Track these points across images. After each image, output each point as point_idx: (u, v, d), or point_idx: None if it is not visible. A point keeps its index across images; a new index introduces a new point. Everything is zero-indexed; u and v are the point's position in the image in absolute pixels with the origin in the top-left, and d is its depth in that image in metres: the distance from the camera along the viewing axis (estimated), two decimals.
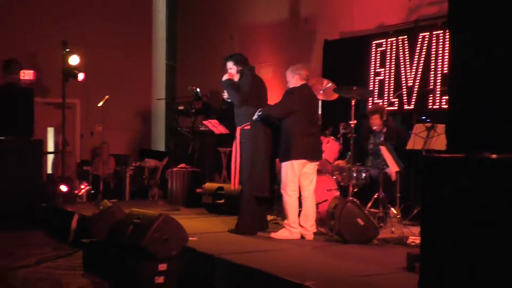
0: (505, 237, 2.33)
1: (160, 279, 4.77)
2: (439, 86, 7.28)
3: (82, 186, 9.60)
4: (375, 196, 6.32)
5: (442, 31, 7.27)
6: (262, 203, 6.14)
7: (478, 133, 2.49)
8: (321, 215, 6.28)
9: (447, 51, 7.20)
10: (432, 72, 7.38)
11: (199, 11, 12.66)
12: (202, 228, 6.32)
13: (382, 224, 6.15)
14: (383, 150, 6.30)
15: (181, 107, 9.87)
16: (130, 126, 12.58)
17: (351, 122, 6.25)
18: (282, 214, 6.21)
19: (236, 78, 6.15)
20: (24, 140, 8.66)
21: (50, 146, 11.80)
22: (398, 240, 5.57)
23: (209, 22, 12.10)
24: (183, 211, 7.83)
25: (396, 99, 7.68)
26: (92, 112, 11.21)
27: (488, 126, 2.47)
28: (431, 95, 7.35)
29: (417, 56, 7.59)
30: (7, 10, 11.50)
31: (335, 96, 7.09)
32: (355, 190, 6.40)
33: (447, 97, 7.14)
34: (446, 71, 7.22)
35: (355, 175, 6.44)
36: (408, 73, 7.69)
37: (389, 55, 7.97)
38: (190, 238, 5.13)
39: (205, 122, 8.90)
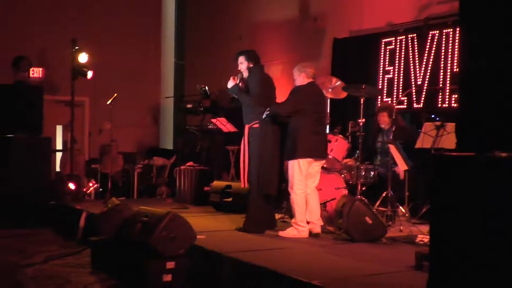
0: None
1: (168, 277, 4.76)
2: (448, 85, 7.24)
3: (90, 184, 9.63)
4: (384, 195, 6.29)
5: (452, 30, 7.23)
6: (270, 201, 6.13)
7: (488, 132, 2.47)
8: (329, 213, 6.26)
9: (457, 49, 7.17)
10: (442, 71, 7.34)
11: (208, 10, 12.66)
12: (210, 226, 6.31)
13: (390, 223, 6.12)
14: (392, 148, 6.27)
15: (189, 106, 9.89)
16: (138, 124, 12.61)
17: (360, 120, 6.23)
18: (290, 212, 6.20)
19: (245, 74, 6.13)
20: (33, 138, 8.67)
21: (59, 144, 11.85)
22: (406, 239, 5.55)
23: (218, 20, 12.10)
24: (191, 209, 7.84)
25: (405, 98, 7.64)
26: (101, 110, 11.25)
27: (498, 125, 2.45)
28: (440, 94, 7.31)
29: (426, 55, 7.55)
30: (17, 8, 11.56)
31: (344, 94, 7.07)
32: (364, 188, 6.38)
33: (456, 96, 7.13)
34: (455, 70, 7.18)
35: (363, 173, 6.42)
36: (418, 72, 7.64)
37: (398, 54, 7.93)
38: (198, 236, 5.12)
39: (214, 120, 8.90)
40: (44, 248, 6.68)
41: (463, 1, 2.73)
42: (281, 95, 6.53)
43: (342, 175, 6.74)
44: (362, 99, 6.24)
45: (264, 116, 5.87)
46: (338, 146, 6.74)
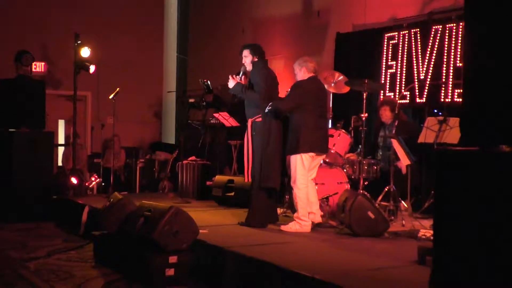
0: None
1: (170, 272, 4.77)
2: (451, 80, 7.22)
3: (93, 179, 9.64)
4: (386, 190, 6.29)
5: (455, 25, 7.20)
6: (273, 195, 6.13)
7: (493, 126, 2.46)
8: (331, 208, 6.26)
9: (460, 44, 7.15)
10: (445, 66, 7.31)
11: (210, 4, 12.64)
12: (212, 221, 6.32)
13: (392, 218, 6.12)
14: (395, 143, 6.26)
15: (191, 100, 9.88)
16: (141, 119, 12.61)
17: (362, 115, 6.21)
18: (292, 207, 6.20)
19: (248, 68, 6.10)
20: (35, 132, 8.69)
21: (61, 139, 11.86)
22: (408, 234, 5.54)
23: (221, 15, 12.08)
24: (194, 203, 7.84)
25: (408, 92, 7.62)
26: (103, 104, 11.27)
27: (503, 119, 2.44)
28: (443, 88, 7.29)
29: (429, 49, 7.52)
30: (19, 2, 11.55)
31: (346, 89, 7.06)
32: (366, 183, 6.37)
33: (459, 91, 7.11)
34: (458, 65, 7.16)
35: (366, 168, 6.41)
36: (421, 66, 7.63)
37: (401, 48, 7.91)
38: (201, 231, 5.13)
39: (216, 115, 8.89)
40: (47, 242, 6.69)
41: None
42: (283, 90, 6.52)
43: (345, 170, 6.73)
44: (365, 94, 6.22)
45: (266, 110, 5.85)
46: (340, 140, 6.73)
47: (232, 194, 7.54)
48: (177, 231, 4.85)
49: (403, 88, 7.75)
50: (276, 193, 6.19)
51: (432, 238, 4.92)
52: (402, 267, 4.29)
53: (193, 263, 4.91)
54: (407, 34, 7.83)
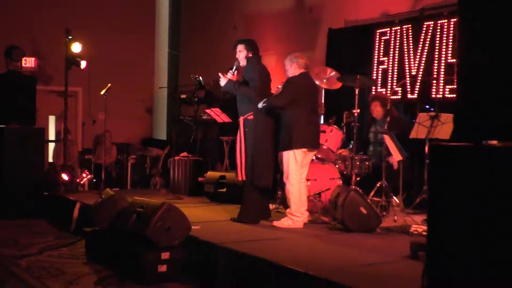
0: None
1: (163, 268, 4.76)
2: (442, 76, 7.24)
3: (84, 175, 9.59)
4: (378, 185, 6.30)
5: (447, 21, 7.22)
6: (265, 192, 6.12)
7: (486, 122, 2.46)
8: (324, 204, 6.27)
9: (451, 40, 7.17)
10: (436, 61, 7.33)
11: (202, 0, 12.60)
12: (204, 217, 6.31)
13: (384, 213, 6.14)
14: (387, 139, 6.27)
15: (183, 96, 9.85)
16: (132, 115, 12.56)
17: (354, 111, 6.22)
18: (284, 203, 6.20)
19: (242, 63, 6.08)
20: (26, 128, 8.63)
21: (52, 135, 11.79)
22: (401, 229, 5.57)
23: (213, 10, 12.04)
24: (186, 200, 7.83)
25: (399, 88, 7.64)
26: (94, 100, 11.22)
27: (497, 115, 2.44)
28: (434, 84, 7.31)
29: (421, 45, 7.54)
30: None
31: (338, 84, 7.06)
32: (358, 179, 6.39)
33: (450, 87, 7.14)
34: (450, 61, 7.18)
35: (358, 164, 6.42)
36: (412, 62, 7.64)
37: (393, 44, 7.92)
38: (193, 227, 5.12)
39: (208, 111, 8.87)
40: (38, 239, 6.66)
41: None
42: (274, 86, 6.52)
43: (337, 166, 6.75)
44: (357, 90, 6.23)
45: (260, 107, 5.83)
46: (332, 136, 6.75)
47: (224, 190, 7.53)
48: (169, 227, 4.85)
49: (394, 84, 7.76)
50: (268, 190, 6.19)
51: (424, 233, 4.96)
52: (394, 262, 4.31)
53: (185, 259, 4.90)
54: (399, 30, 7.84)
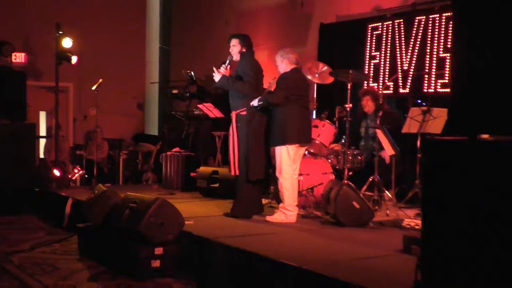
0: (508, 220, 2.33)
1: (156, 263, 4.76)
2: (434, 70, 7.27)
3: (76, 171, 9.56)
4: (370, 180, 6.32)
5: (438, 15, 7.24)
6: (258, 186, 6.13)
7: (481, 116, 2.47)
8: (316, 198, 6.28)
9: (443, 35, 7.19)
10: (428, 56, 7.36)
11: None
12: (197, 212, 6.30)
13: (377, 207, 6.15)
14: (379, 133, 6.29)
15: (175, 91, 9.83)
16: (123, 110, 12.51)
17: (346, 105, 6.23)
18: (277, 197, 6.21)
19: (235, 57, 6.07)
20: (16, 124, 8.59)
21: (43, 130, 11.72)
22: (393, 223, 5.59)
23: (204, 5, 12.01)
24: (178, 195, 7.82)
25: (391, 83, 7.66)
26: (86, 96, 11.16)
27: (491, 109, 2.46)
28: (426, 79, 7.34)
29: (413, 40, 7.56)
30: None
31: (331, 79, 7.07)
32: (350, 173, 6.40)
33: (442, 81, 7.16)
34: (441, 55, 7.21)
35: (350, 158, 6.44)
36: (404, 57, 7.66)
37: (385, 39, 7.94)
38: (186, 222, 5.12)
39: (200, 106, 8.86)
40: (30, 235, 6.64)
41: None
42: (267, 81, 6.51)
43: (329, 160, 6.76)
44: (349, 84, 6.24)
45: (256, 105, 5.81)
46: (325, 131, 6.75)
47: (217, 185, 7.53)
48: (163, 222, 4.84)
49: (386, 78, 7.78)
50: (261, 184, 6.19)
51: (416, 227, 4.99)
52: (387, 256, 4.32)
53: (178, 254, 4.90)
54: (390, 25, 7.86)
